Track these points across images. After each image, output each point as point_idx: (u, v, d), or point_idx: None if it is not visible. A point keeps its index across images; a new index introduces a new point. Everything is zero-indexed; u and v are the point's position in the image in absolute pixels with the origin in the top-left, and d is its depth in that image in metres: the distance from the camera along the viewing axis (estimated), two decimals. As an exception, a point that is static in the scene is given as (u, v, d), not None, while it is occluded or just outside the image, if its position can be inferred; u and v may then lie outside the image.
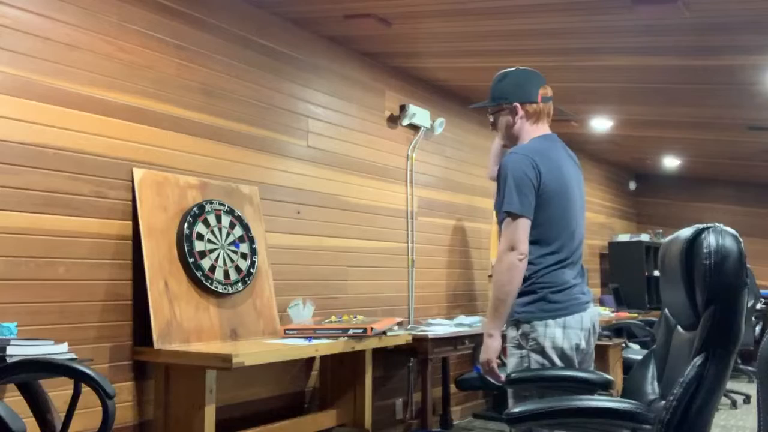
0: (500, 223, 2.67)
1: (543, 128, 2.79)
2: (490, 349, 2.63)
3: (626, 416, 1.82)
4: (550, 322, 2.60)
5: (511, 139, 2.83)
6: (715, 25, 4.09)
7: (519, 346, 2.64)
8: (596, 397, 2.05)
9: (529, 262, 2.63)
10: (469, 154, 6.28)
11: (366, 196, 5.00)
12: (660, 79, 5.28)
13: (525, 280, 2.64)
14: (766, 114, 6.05)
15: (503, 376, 2.60)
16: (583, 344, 2.63)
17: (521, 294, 2.64)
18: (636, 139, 7.82)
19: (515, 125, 2.79)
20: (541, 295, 2.63)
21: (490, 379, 2.68)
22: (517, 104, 2.76)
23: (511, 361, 2.67)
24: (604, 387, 2.36)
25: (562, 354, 2.59)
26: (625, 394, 2.12)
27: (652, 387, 2.05)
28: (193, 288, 3.53)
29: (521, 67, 2.85)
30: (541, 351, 2.59)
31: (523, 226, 2.59)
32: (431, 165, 5.76)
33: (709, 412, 1.63)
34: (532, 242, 2.63)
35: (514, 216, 2.59)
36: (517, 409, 1.90)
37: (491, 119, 2.89)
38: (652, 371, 2.02)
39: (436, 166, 5.82)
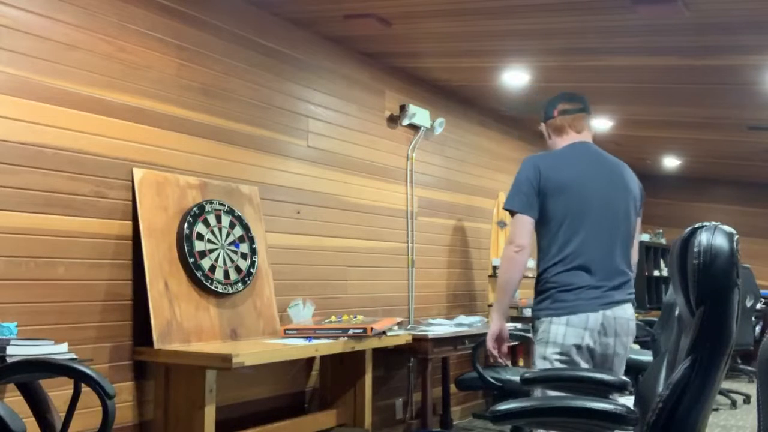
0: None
1: (571, 137, 3.04)
2: (490, 331, 2.94)
3: (608, 417, 1.81)
4: (554, 319, 2.78)
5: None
6: (715, 25, 4.09)
7: (534, 341, 2.89)
8: (582, 397, 2.04)
9: (541, 260, 2.89)
10: (469, 154, 6.28)
11: (366, 196, 5.00)
12: (660, 79, 5.28)
13: (538, 279, 2.89)
14: (766, 114, 6.05)
15: (505, 362, 2.94)
16: (589, 344, 2.76)
17: (536, 294, 2.89)
18: (636, 139, 7.82)
19: (549, 140, 3.12)
20: (549, 294, 2.83)
21: (492, 359, 2.98)
22: (543, 124, 3.14)
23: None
24: (620, 388, 2.36)
25: (562, 350, 2.76)
26: (639, 396, 2.11)
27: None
28: (193, 288, 3.53)
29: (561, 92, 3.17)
30: (545, 345, 2.79)
31: (521, 221, 2.84)
32: (431, 165, 5.76)
33: (698, 414, 1.61)
34: (547, 243, 2.87)
35: (512, 213, 2.87)
36: (500, 407, 1.91)
37: None
38: (663, 373, 2.01)
39: (436, 166, 5.82)
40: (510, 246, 2.82)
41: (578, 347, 2.75)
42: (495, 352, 2.92)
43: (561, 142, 3.03)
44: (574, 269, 2.79)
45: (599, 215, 2.83)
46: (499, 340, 2.92)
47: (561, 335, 2.75)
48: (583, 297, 2.77)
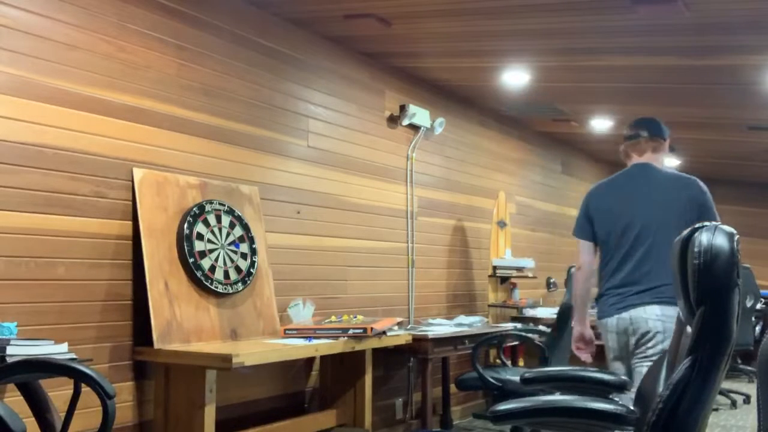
0: None
1: (633, 160, 3.42)
2: (573, 337, 3.48)
3: (608, 417, 1.83)
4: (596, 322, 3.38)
5: None
6: (715, 25, 4.09)
7: None
8: (582, 397, 2.05)
9: None
10: (469, 154, 6.28)
11: (366, 196, 5.00)
12: (660, 79, 5.28)
13: None
14: (766, 114, 6.05)
15: (589, 359, 3.41)
16: (613, 345, 3.23)
17: None
18: (636, 139, 7.81)
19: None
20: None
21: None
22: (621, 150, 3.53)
23: None
24: (620, 388, 2.38)
25: (606, 346, 3.29)
26: (639, 395, 2.11)
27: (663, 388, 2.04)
28: (193, 288, 3.53)
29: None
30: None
31: (579, 244, 3.42)
32: (431, 165, 5.76)
33: (698, 414, 1.60)
34: (600, 260, 3.39)
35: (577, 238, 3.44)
36: (500, 407, 1.91)
37: None
38: (663, 373, 2.01)
39: (436, 166, 5.82)
40: (575, 265, 3.49)
41: (607, 347, 3.27)
42: (578, 353, 3.43)
43: (628, 165, 3.44)
44: (605, 280, 3.29)
45: (629, 233, 3.21)
46: (582, 341, 3.42)
47: (603, 335, 3.31)
48: (605, 303, 3.27)
